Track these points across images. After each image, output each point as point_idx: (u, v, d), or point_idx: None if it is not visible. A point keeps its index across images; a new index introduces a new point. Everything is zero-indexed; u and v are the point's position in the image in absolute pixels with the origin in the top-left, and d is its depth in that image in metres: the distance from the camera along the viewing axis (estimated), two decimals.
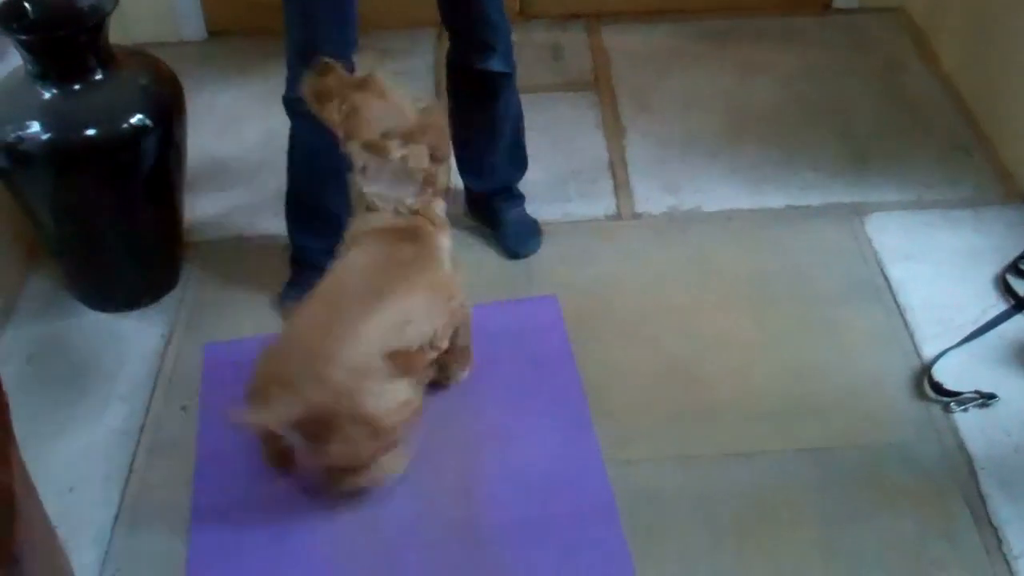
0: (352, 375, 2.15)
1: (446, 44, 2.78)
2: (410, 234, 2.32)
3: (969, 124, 3.35)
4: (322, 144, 2.43)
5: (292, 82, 2.53)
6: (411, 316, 2.27)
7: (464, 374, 2.56)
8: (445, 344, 2.38)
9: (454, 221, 2.94)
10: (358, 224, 2.36)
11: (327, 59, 2.34)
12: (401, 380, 2.23)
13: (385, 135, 2.28)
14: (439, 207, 2.40)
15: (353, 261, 2.31)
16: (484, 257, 2.94)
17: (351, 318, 2.21)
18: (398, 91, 2.37)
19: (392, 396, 2.21)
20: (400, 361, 2.23)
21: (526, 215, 3.03)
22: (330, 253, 2.40)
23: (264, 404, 2.12)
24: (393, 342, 2.22)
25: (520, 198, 3.04)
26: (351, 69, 2.38)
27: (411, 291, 2.28)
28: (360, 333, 2.19)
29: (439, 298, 2.34)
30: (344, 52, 2.45)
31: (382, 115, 2.30)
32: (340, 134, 2.33)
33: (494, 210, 2.99)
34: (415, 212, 2.32)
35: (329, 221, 2.55)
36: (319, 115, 2.35)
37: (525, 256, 2.94)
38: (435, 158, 2.34)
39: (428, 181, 2.33)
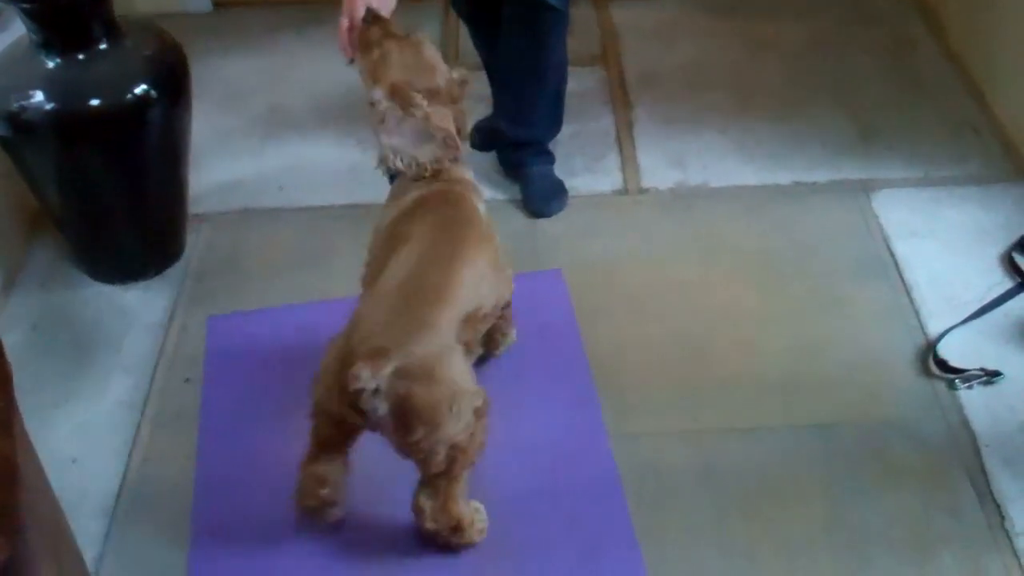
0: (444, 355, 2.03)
1: (451, 18, 2.76)
2: (449, 199, 2.22)
3: (977, 101, 3.33)
4: None
5: None
6: (479, 285, 2.16)
7: (510, 340, 2.52)
8: (498, 313, 2.32)
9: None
10: (395, 192, 2.28)
11: (376, 10, 2.30)
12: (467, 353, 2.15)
13: (412, 86, 2.20)
14: (466, 171, 2.30)
15: (407, 231, 2.17)
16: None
17: (444, 296, 2.07)
18: (436, 54, 2.31)
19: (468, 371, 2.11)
20: (469, 330, 2.15)
21: (553, 174, 3.02)
22: None
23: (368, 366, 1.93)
24: (467, 310, 2.13)
25: (550, 156, 3.03)
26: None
27: (475, 257, 2.16)
28: (441, 306, 2.06)
29: (492, 264, 2.24)
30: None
31: (414, 68, 2.23)
32: (368, 80, 2.26)
33: (522, 163, 2.99)
34: (435, 172, 2.22)
35: None
36: (359, 64, 2.29)
37: (548, 216, 2.93)
38: (459, 129, 2.28)
39: (449, 144, 2.21)
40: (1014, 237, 2.82)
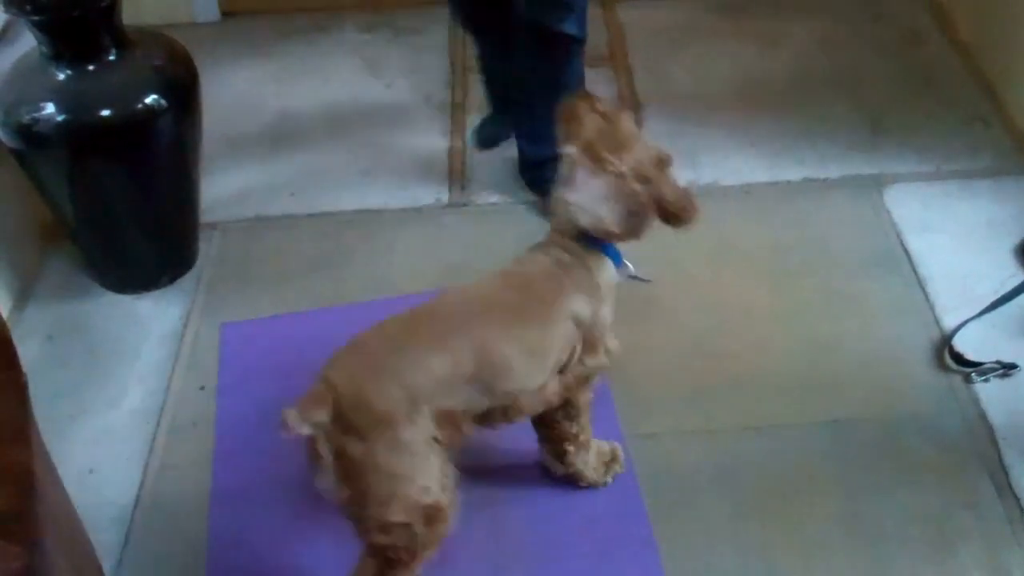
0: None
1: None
2: (543, 270, 2.01)
3: (987, 94, 3.32)
4: None
5: None
6: (492, 361, 1.94)
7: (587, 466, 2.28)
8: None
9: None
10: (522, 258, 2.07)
11: (591, 93, 2.11)
12: None
13: (601, 147, 1.97)
14: (604, 266, 2.05)
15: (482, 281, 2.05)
16: (502, 231, 2.92)
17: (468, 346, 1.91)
18: (635, 130, 2.06)
19: None
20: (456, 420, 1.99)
21: None
22: None
23: None
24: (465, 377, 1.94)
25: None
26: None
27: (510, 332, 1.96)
28: None
29: (530, 351, 1.99)
30: None
31: (609, 137, 1.99)
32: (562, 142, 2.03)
33: (545, 179, 2.99)
34: (590, 252, 2.02)
35: None
36: (560, 135, 2.04)
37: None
38: (666, 210, 2.02)
39: (638, 212, 1.96)
40: None
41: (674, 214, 2.03)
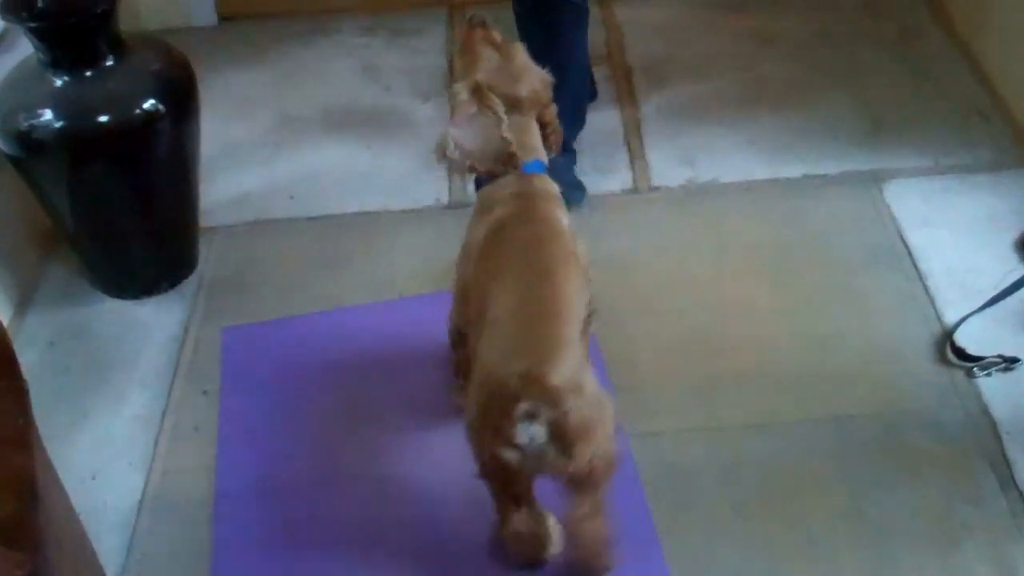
0: (583, 368, 1.96)
1: (456, 23, 2.76)
2: (535, 216, 2.16)
3: (986, 88, 3.32)
4: None
5: None
6: (580, 298, 2.06)
7: None
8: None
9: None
10: (481, 207, 2.23)
11: (484, 16, 2.29)
12: None
13: (493, 88, 2.17)
14: (549, 183, 2.24)
15: (501, 253, 2.11)
16: None
17: (563, 310, 1.99)
18: (529, 63, 2.27)
19: None
20: (584, 341, 2.10)
21: (573, 173, 3.01)
22: None
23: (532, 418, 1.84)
24: (579, 324, 2.05)
25: (572, 153, 3.02)
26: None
27: (570, 272, 2.07)
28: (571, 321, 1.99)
29: (582, 275, 2.13)
30: None
31: (501, 73, 2.21)
32: (457, 80, 2.24)
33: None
34: (493, 174, 2.20)
35: None
36: (455, 63, 2.30)
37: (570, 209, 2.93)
38: (547, 132, 2.29)
39: (505, 161, 2.18)
40: None
41: (552, 137, 2.31)
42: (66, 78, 2.56)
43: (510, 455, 1.89)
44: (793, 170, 3.08)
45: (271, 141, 3.33)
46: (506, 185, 2.19)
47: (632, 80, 3.50)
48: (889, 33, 3.63)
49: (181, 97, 2.70)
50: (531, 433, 1.84)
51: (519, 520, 2.07)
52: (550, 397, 1.82)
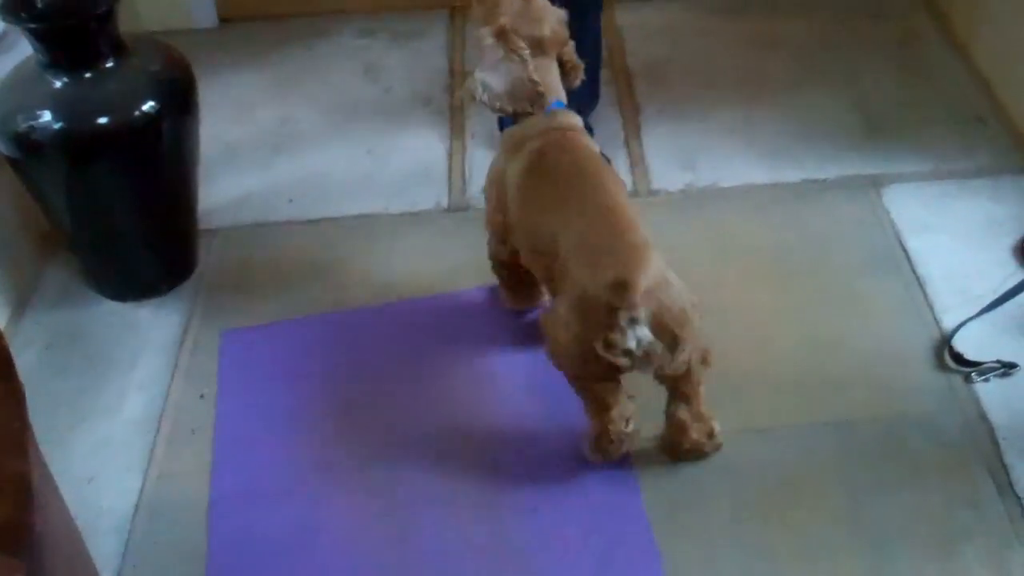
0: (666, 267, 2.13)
1: (457, 26, 2.76)
2: (568, 146, 2.32)
3: (985, 93, 3.32)
4: None
5: None
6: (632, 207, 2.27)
7: None
8: None
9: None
10: (510, 143, 2.37)
11: None
12: None
13: (517, 32, 2.31)
14: (572, 116, 2.38)
15: (549, 180, 2.29)
16: None
17: (629, 219, 2.17)
18: (547, 5, 2.40)
19: None
20: None
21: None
22: None
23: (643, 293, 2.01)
24: None
25: (589, 130, 3.02)
26: None
27: (619, 185, 2.30)
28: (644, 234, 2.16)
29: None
30: None
31: (522, 16, 2.33)
32: (480, 24, 2.37)
33: None
34: (526, 116, 2.34)
35: None
36: (474, 11, 2.43)
37: None
38: (567, 71, 2.42)
39: (535, 99, 2.33)
40: None
41: (571, 73, 2.44)
42: (65, 79, 2.56)
43: (623, 361, 2.04)
44: (792, 174, 3.08)
45: (271, 143, 3.33)
46: (535, 123, 2.33)
47: (632, 83, 3.50)
48: (888, 37, 3.62)
49: (181, 98, 2.70)
50: (638, 336, 2.02)
51: (618, 416, 2.22)
52: (645, 298, 1.99)
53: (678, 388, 2.23)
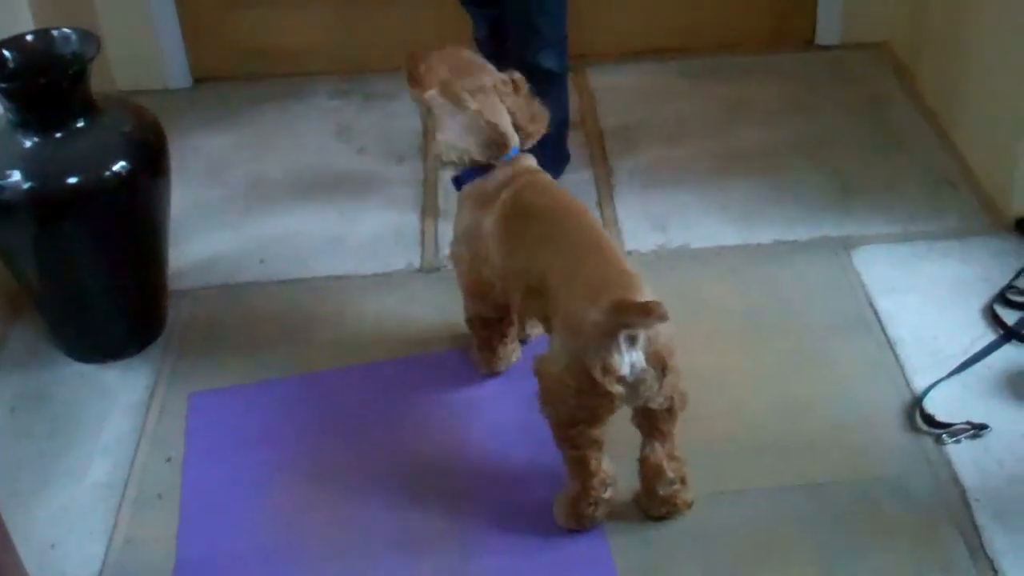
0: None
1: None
2: (539, 187, 2.40)
3: (953, 156, 3.35)
4: None
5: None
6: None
7: None
8: None
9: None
10: (476, 195, 2.42)
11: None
12: None
13: (461, 86, 2.38)
14: (532, 160, 2.46)
15: (529, 220, 2.33)
16: None
17: (616, 252, 2.27)
18: (476, 56, 2.51)
19: None
20: None
21: None
22: None
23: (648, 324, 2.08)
24: None
25: None
26: None
27: (593, 221, 2.39)
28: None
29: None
30: None
31: (458, 70, 2.41)
32: (419, 94, 2.43)
33: None
34: (489, 166, 2.40)
35: None
36: (412, 93, 2.47)
37: None
38: (518, 124, 2.44)
39: (498, 142, 2.39)
40: (995, 289, 2.83)
41: (523, 127, 2.45)
42: (36, 139, 2.55)
43: (616, 388, 2.06)
44: (763, 236, 3.09)
45: (242, 204, 3.32)
46: (499, 174, 2.39)
47: (605, 145, 3.51)
48: (858, 101, 3.66)
49: (151, 159, 2.69)
50: (632, 359, 2.06)
51: (598, 481, 2.22)
52: (646, 311, 2.02)
53: (656, 426, 2.23)
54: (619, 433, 2.23)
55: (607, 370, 2.04)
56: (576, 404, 2.13)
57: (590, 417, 2.15)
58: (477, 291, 2.50)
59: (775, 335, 2.76)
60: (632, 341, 2.05)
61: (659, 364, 2.10)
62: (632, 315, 2.03)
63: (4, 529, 1.59)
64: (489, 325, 2.56)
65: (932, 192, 3.22)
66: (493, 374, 2.65)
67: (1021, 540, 2.24)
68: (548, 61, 2.95)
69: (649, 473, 2.27)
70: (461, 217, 2.49)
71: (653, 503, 2.29)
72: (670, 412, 2.21)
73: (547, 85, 2.83)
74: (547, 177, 2.43)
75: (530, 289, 2.29)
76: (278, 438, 2.56)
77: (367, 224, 3.22)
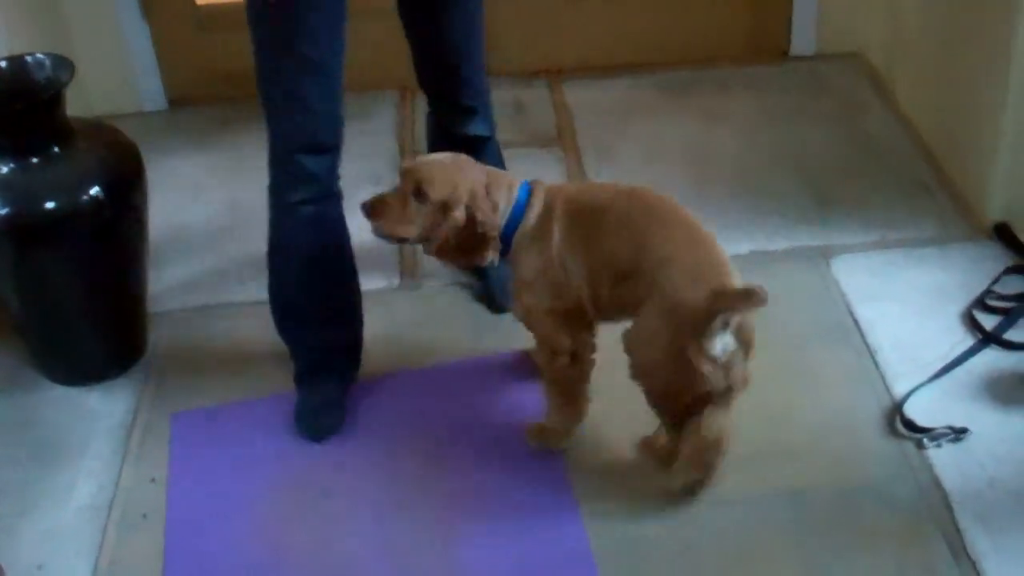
0: None
1: (408, 106, 2.79)
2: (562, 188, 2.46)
3: (930, 163, 3.37)
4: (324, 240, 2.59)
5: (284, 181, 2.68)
6: None
7: None
8: None
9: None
10: (522, 229, 2.38)
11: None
12: None
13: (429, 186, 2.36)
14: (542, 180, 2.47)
15: (591, 224, 2.34)
16: (456, 314, 2.94)
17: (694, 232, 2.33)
18: (440, 160, 2.45)
19: None
20: None
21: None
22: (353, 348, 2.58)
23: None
24: None
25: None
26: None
27: None
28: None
29: None
30: (338, 136, 2.61)
31: (452, 179, 2.36)
32: (412, 228, 2.41)
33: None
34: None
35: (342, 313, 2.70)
36: (388, 233, 2.46)
37: (510, 310, 2.93)
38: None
39: (505, 182, 2.41)
40: (973, 295, 2.85)
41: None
42: (12, 165, 2.55)
43: (708, 368, 2.16)
44: (742, 247, 3.10)
45: (220, 225, 3.32)
46: (532, 209, 2.37)
47: (582, 160, 3.53)
48: (834, 111, 3.69)
49: (128, 183, 2.70)
50: (724, 343, 2.17)
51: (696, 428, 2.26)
52: (748, 297, 2.13)
53: (720, 407, 2.27)
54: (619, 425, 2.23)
55: (702, 350, 2.14)
56: (674, 379, 2.22)
57: (683, 400, 2.25)
58: (568, 316, 2.40)
59: (756, 345, 2.76)
60: (725, 324, 2.15)
61: (746, 345, 2.22)
62: (734, 301, 2.14)
63: None
64: (581, 359, 2.46)
65: (909, 199, 3.25)
66: (568, 440, 2.54)
67: (1003, 542, 2.26)
68: (478, 128, 2.87)
69: (708, 437, 2.27)
70: (526, 264, 2.40)
71: (694, 469, 2.32)
72: (738, 391, 2.29)
73: (481, 151, 2.79)
74: (572, 183, 2.47)
75: (619, 274, 2.30)
76: (261, 457, 2.56)
77: None
